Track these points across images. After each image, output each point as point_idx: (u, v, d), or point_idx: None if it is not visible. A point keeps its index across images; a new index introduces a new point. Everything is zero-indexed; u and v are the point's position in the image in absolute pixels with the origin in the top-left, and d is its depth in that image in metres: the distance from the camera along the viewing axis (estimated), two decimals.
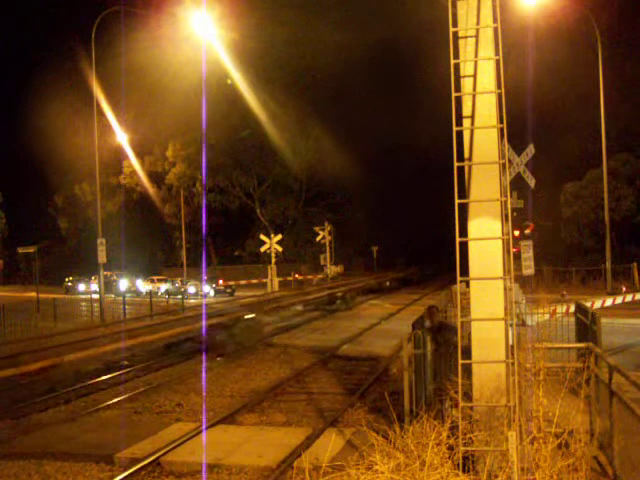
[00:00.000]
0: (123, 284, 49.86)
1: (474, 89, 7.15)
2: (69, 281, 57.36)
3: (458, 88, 7.17)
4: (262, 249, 42.90)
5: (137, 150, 55.24)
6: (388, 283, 47.66)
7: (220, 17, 32.04)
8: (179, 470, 8.62)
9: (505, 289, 7.00)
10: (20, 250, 49.64)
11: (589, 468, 6.65)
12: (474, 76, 7.16)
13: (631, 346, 16.21)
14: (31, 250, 46.81)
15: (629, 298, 21.02)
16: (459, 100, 7.17)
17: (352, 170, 52.31)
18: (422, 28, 33.50)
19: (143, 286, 49.59)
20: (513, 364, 6.72)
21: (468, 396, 7.00)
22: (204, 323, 18.32)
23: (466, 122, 7.17)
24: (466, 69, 7.20)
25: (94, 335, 17.86)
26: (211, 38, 31.98)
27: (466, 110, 7.17)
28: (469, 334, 7.10)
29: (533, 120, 29.36)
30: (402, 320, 23.00)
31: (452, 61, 7.11)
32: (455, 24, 7.21)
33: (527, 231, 18.67)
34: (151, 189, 60.75)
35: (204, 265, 56.58)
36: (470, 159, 7.14)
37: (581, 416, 7.02)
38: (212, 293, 44.53)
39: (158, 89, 48.76)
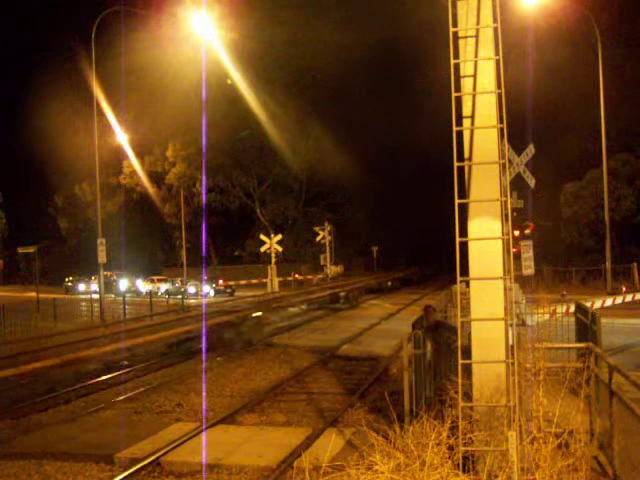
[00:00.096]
0: (123, 284, 49.88)
1: (474, 89, 7.15)
2: (69, 281, 57.37)
3: (458, 88, 7.17)
4: (262, 249, 42.95)
5: (137, 150, 55.26)
6: (389, 283, 47.69)
7: (220, 17, 32.08)
8: (179, 470, 8.62)
9: (505, 289, 7.00)
10: (20, 250, 49.65)
11: (589, 468, 6.65)
12: (474, 76, 7.16)
13: (631, 346, 16.21)
14: (31, 250, 46.81)
15: (629, 298, 21.02)
16: (459, 100, 7.16)
17: (352, 170, 52.34)
18: (422, 28, 33.54)
19: (143, 286, 49.61)
20: (513, 364, 6.72)
21: (468, 396, 7.00)
22: (204, 323, 18.32)
23: (466, 122, 7.17)
24: (466, 69, 7.20)
25: (94, 335, 17.89)
26: (211, 38, 31.99)
27: (466, 110, 7.17)
28: (469, 334, 7.10)
29: (533, 120, 29.42)
30: (402, 320, 23.00)
31: (452, 61, 7.11)
32: (455, 24, 7.21)
33: (527, 231, 18.68)
34: (151, 189, 60.76)
35: (204, 265, 56.57)
36: (470, 159, 7.14)
37: (581, 416, 7.02)
38: (212, 293, 44.54)
39: (158, 89, 48.80)
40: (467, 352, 7.02)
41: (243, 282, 50.06)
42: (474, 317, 7.02)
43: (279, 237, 43.62)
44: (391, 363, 15.38)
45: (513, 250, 9.96)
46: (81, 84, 41.54)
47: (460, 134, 7.14)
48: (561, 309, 14.92)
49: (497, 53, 7.12)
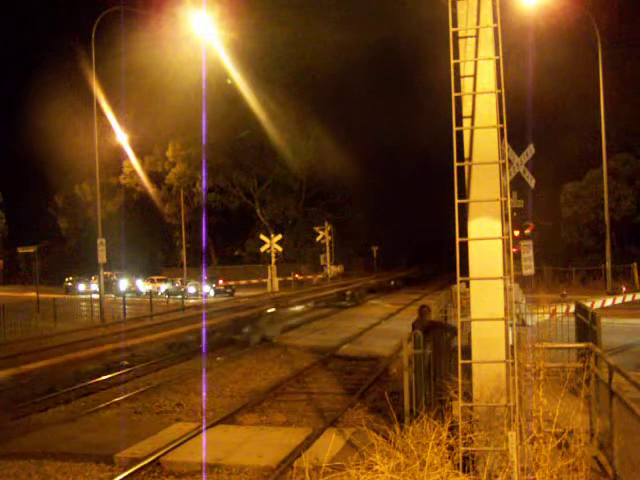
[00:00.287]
0: (123, 284, 49.87)
1: (474, 89, 7.16)
2: (69, 281, 57.37)
3: (458, 88, 7.17)
4: (262, 249, 42.88)
5: (137, 150, 55.24)
6: (391, 282, 47.77)
7: (220, 17, 32.07)
8: (179, 470, 8.62)
9: (505, 289, 7.01)
10: (20, 250, 49.64)
11: (589, 468, 6.65)
12: (474, 76, 7.16)
13: (631, 346, 16.22)
14: (31, 250, 46.81)
15: (629, 298, 21.02)
16: (459, 100, 7.17)
17: (352, 170, 52.32)
18: (422, 28, 33.51)
19: (143, 286, 49.61)
20: (513, 364, 6.72)
21: (468, 396, 7.00)
22: (204, 323, 18.31)
23: (466, 122, 7.17)
24: (466, 69, 7.20)
25: (94, 335, 17.86)
26: (211, 38, 31.97)
27: (466, 110, 7.17)
28: (469, 334, 7.10)
29: (533, 120, 29.39)
30: (402, 320, 23.01)
31: (452, 61, 7.12)
32: (455, 24, 7.21)
33: (527, 231, 18.67)
34: (151, 189, 60.75)
35: (204, 265, 56.56)
36: (470, 159, 7.14)
37: (581, 416, 7.02)
38: (212, 293, 44.54)
39: (158, 89, 48.77)
40: (467, 352, 7.02)
41: (243, 282, 50.06)
42: (474, 317, 7.02)
43: (279, 237, 43.54)
44: (391, 363, 15.38)
45: (513, 250, 9.97)
46: (81, 84, 41.56)
47: (460, 134, 7.14)
48: (561, 309, 14.92)
49: (497, 53, 7.12)
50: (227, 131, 51.58)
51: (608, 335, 12.42)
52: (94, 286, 46.10)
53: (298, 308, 28.23)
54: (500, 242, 7.03)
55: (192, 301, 39.09)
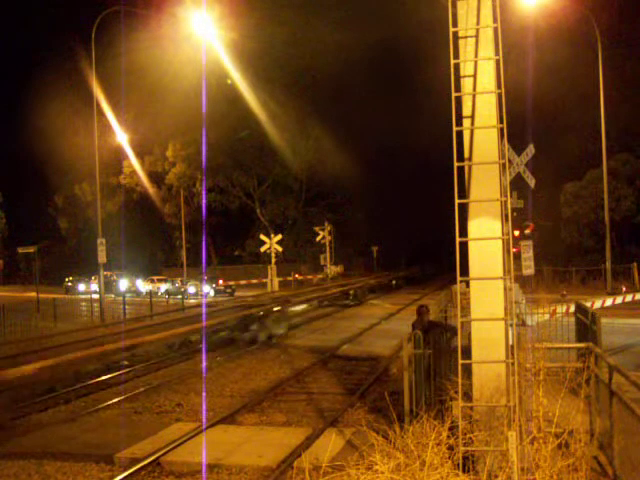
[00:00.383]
0: (123, 284, 49.88)
1: (474, 89, 7.16)
2: (69, 281, 57.37)
3: (458, 88, 7.17)
4: (262, 249, 42.87)
5: (137, 150, 55.26)
6: (392, 282, 47.80)
7: (220, 17, 32.07)
8: (179, 470, 8.62)
9: (505, 289, 7.01)
10: (20, 250, 49.64)
11: (589, 468, 6.65)
12: (474, 76, 7.16)
13: (631, 346, 16.22)
14: (31, 250, 46.80)
15: (629, 298, 21.02)
16: (459, 100, 7.17)
17: (352, 170, 52.32)
18: (422, 28, 33.53)
19: (143, 286, 49.62)
20: (513, 364, 6.72)
21: (468, 396, 7.00)
22: (204, 324, 18.30)
23: (466, 122, 7.17)
24: (466, 69, 7.20)
25: (94, 335, 17.83)
26: (211, 38, 31.96)
27: (466, 110, 7.17)
28: (469, 334, 7.11)
29: (533, 120, 29.42)
30: (402, 320, 23.01)
31: (452, 61, 7.12)
32: (455, 24, 7.21)
33: (527, 231, 18.66)
34: (151, 189, 60.76)
35: (204, 265, 56.59)
36: (470, 159, 7.15)
37: (581, 416, 7.02)
38: (212, 293, 44.54)
39: (158, 89, 48.78)
40: (467, 352, 7.02)
41: (243, 282, 50.06)
42: (474, 317, 7.02)
43: (279, 237, 43.54)
44: (391, 363, 15.38)
45: (513, 250, 9.97)
46: (81, 84, 41.60)
47: (460, 134, 7.14)
48: (561, 309, 14.92)
49: (497, 53, 7.12)
50: (227, 131, 51.60)
51: (608, 335, 12.43)
52: (94, 286, 46.11)
53: (298, 308, 28.22)
54: (500, 242, 7.03)
55: (192, 301, 39.07)
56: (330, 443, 8.51)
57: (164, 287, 46.69)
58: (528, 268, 15.72)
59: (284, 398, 12.60)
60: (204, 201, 56.52)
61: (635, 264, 35.04)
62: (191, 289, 45.01)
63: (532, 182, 15.41)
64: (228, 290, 45.70)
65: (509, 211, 7.30)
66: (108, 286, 41.26)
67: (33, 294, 35.31)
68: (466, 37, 7.20)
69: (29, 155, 62.68)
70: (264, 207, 60.95)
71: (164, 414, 11.63)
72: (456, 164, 7.01)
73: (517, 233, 18.39)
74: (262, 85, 48.80)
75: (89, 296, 38.60)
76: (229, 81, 46.81)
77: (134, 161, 57.21)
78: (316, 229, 49.07)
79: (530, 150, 15.08)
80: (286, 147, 54.06)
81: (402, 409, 8.45)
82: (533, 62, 33.96)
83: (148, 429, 10.41)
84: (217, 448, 9.17)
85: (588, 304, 14.70)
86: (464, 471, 6.61)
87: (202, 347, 17.88)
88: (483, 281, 7.01)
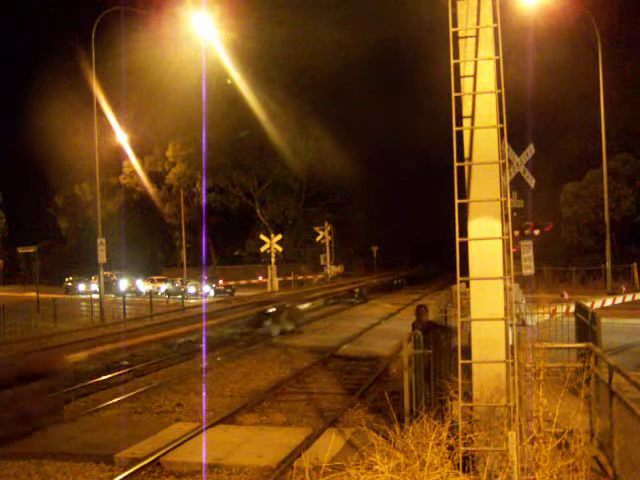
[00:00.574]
0: (123, 284, 49.87)
1: (474, 89, 7.16)
2: (69, 281, 57.36)
3: (458, 88, 7.17)
4: (262, 249, 42.86)
5: (137, 150, 55.26)
6: (393, 282, 47.86)
7: (220, 17, 32.02)
8: (179, 470, 8.62)
9: (505, 289, 7.01)
10: (20, 250, 49.67)
11: (589, 468, 6.65)
12: (474, 76, 7.16)
13: (631, 346, 16.22)
14: (31, 250, 46.84)
15: (629, 298, 21.02)
16: (459, 100, 7.17)
17: (352, 170, 52.34)
18: (422, 28, 33.51)
19: (143, 286, 49.61)
20: (513, 364, 6.72)
21: (468, 396, 7.00)
22: (204, 324, 18.31)
23: (466, 122, 7.17)
24: (466, 69, 7.20)
25: (94, 335, 17.83)
26: (211, 38, 31.96)
27: (466, 110, 7.17)
28: (469, 334, 7.11)
29: (533, 120, 29.40)
30: (402, 320, 23.01)
31: (452, 61, 7.12)
32: (455, 24, 7.21)
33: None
34: (151, 189, 60.76)
35: (204, 265, 56.56)
36: (470, 159, 7.15)
37: (581, 416, 7.02)
38: (212, 293, 44.54)
39: (158, 89, 48.78)
40: (467, 352, 7.02)
41: (243, 282, 50.06)
42: (474, 317, 7.02)
43: (279, 237, 43.53)
44: (391, 363, 15.38)
45: (513, 250, 9.97)
46: (81, 84, 41.57)
47: (460, 134, 7.14)
48: (561, 309, 14.92)
49: (497, 53, 7.12)
50: (227, 131, 51.59)
51: (608, 335, 12.42)
52: (94, 286, 46.11)
53: (301, 307, 28.22)
54: (500, 242, 7.03)
55: (192, 301, 39.07)
56: (330, 443, 8.51)
57: (164, 287, 46.67)
58: (528, 268, 15.70)
59: (284, 398, 12.60)
60: (204, 201, 56.51)
61: (635, 264, 35.03)
62: (191, 289, 45.00)
63: (532, 182, 15.41)
64: (228, 290, 45.70)
65: (509, 211, 7.30)
66: (108, 286, 41.26)
67: (33, 294, 35.30)
68: (466, 37, 7.20)
69: (29, 155, 62.75)
70: (264, 207, 60.95)
71: (164, 414, 11.63)
72: (456, 164, 7.01)
73: (517, 233, 18.36)
74: (262, 85, 48.82)
75: (89, 296, 38.59)
76: (229, 81, 46.82)
77: (134, 161, 57.21)
78: (316, 229, 49.07)
79: (530, 150, 15.07)
80: (286, 147, 54.08)
81: (402, 409, 8.45)
82: (533, 62, 33.97)
83: (148, 429, 10.41)
84: (217, 448, 9.17)
85: (588, 304, 14.70)
86: (464, 471, 6.61)
87: (202, 347, 17.88)
88: (483, 281, 7.01)
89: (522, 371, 6.99)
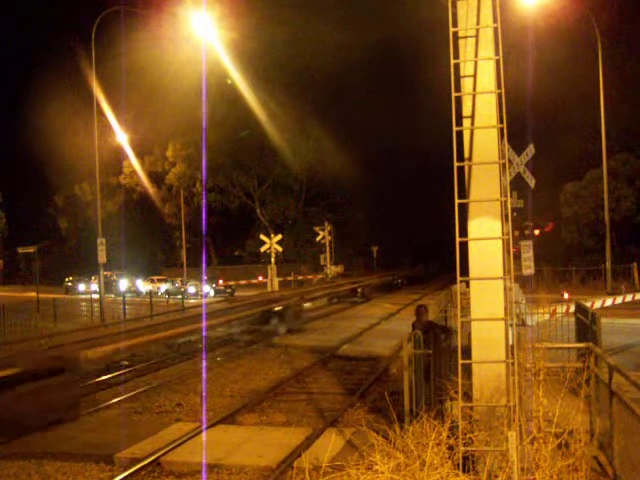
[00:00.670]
0: (123, 284, 49.87)
1: (474, 89, 7.16)
2: (69, 281, 57.36)
3: (458, 88, 7.17)
4: (262, 249, 42.85)
5: (137, 150, 55.24)
6: (394, 282, 47.86)
7: (220, 17, 32.02)
8: (179, 470, 8.62)
9: (505, 289, 7.01)
10: (20, 250, 49.65)
11: (589, 468, 6.65)
12: (474, 76, 7.16)
13: (631, 346, 16.22)
14: (31, 250, 46.82)
15: (629, 298, 21.00)
16: (459, 100, 7.17)
17: (352, 170, 52.34)
18: (422, 28, 33.51)
19: (143, 286, 49.61)
20: (513, 364, 6.72)
21: (468, 396, 7.00)
22: (204, 324, 18.30)
23: (466, 122, 7.17)
24: (466, 69, 7.20)
25: (94, 335, 17.83)
26: (211, 38, 31.94)
27: (466, 110, 7.17)
28: (469, 334, 7.10)
29: (533, 120, 29.38)
30: (402, 320, 23.01)
31: (452, 61, 7.12)
32: (455, 24, 7.21)
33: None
34: (151, 189, 60.75)
35: (204, 265, 56.58)
36: (470, 159, 7.15)
37: (581, 416, 7.02)
38: (212, 293, 44.54)
39: (158, 89, 48.76)
40: (467, 352, 7.02)
41: (243, 282, 50.06)
42: (474, 317, 7.02)
43: (279, 237, 43.51)
44: (391, 363, 15.38)
45: (513, 250, 9.97)
46: (81, 84, 41.56)
47: (460, 134, 7.14)
48: (561, 309, 14.91)
49: (497, 53, 7.12)
50: (227, 131, 51.60)
51: (608, 335, 12.42)
52: (94, 286, 46.10)
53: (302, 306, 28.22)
54: (500, 242, 7.03)
55: (192, 301, 39.07)
56: (330, 443, 8.51)
57: (164, 287, 46.68)
58: (528, 268, 15.69)
59: (284, 398, 12.60)
60: (204, 201, 56.49)
61: (635, 264, 35.03)
62: (191, 289, 45.00)
63: (532, 182, 15.40)
64: (228, 290, 45.69)
65: (509, 211, 7.30)
66: (108, 286, 41.26)
67: (33, 294, 35.29)
68: (466, 37, 7.20)
69: (29, 155, 62.77)
70: (264, 207, 60.95)
71: (164, 414, 11.63)
72: (456, 164, 7.01)
73: (517, 233, 18.37)
74: (262, 85, 48.81)
75: (89, 296, 38.58)
76: (229, 81, 46.80)
77: (134, 161, 57.20)
78: (316, 229, 49.06)
79: (530, 150, 15.07)
80: (286, 147, 54.07)
81: (402, 409, 8.45)
82: (533, 62, 33.96)
83: (148, 429, 10.41)
84: (217, 448, 9.17)
85: (588, 304, 14.69)
86: (464, 471, 6.61)
87: (202, 347, 17.88)
88: (483, 281, 7.01)
89: (522, 371, 6.99)
